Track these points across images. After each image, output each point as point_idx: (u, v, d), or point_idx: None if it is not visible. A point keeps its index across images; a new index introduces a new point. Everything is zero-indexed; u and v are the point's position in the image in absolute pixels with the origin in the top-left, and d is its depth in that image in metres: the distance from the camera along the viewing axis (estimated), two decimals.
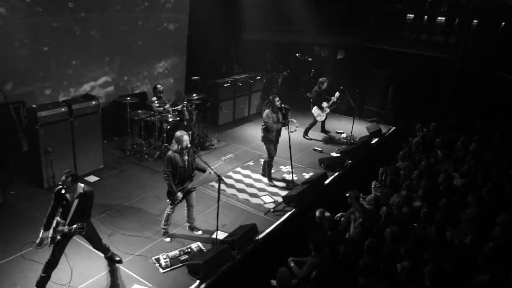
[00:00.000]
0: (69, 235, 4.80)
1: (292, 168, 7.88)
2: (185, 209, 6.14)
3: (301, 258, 5.36)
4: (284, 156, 8.26)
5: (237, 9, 11.97)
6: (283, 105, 7.59)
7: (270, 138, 7.61)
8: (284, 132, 7.72)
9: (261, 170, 8.22)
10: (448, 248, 5.18)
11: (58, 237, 4.74)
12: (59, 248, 4.80)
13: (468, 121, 9.83)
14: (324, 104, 10.04)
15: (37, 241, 4.75)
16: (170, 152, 5.65)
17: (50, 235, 4.70)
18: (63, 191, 4.72)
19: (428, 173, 7.28)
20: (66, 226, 4.70)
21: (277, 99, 7.57)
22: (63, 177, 4.62)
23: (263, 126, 7.58)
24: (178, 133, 5.62)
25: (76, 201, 4.73)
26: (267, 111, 7.59)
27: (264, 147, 7.76)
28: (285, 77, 13.39)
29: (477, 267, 4.76)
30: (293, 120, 7.63)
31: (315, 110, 10.11)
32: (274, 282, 5.09)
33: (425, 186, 6.64)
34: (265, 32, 13.09)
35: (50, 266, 4.80)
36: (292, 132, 7.60)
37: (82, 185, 4.84)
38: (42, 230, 4.76)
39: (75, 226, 4.69)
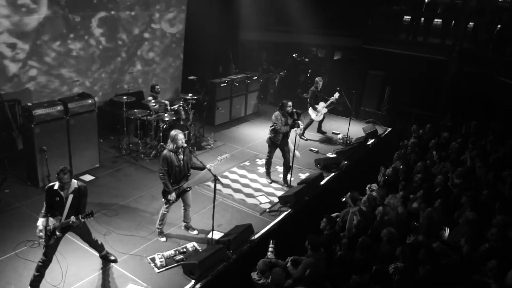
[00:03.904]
0: (70, 227, 4.77)
1: (290, 169, 7.87)
2: (181, 209, 6.13)
3: (298, 257, 5.37)
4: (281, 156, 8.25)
5: (234, 9, 11.97)
6: (294, 110, 7.52)
7: (276, 141, 7.54)
8: (292, 135, 7.66)
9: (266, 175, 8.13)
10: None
11: (58, 233, 4.71)
12: (51, 246, 4.77)
13: (463, 122, 9.87)
14: (322, 104, 10.06)
15: (41, 232, 4.65)
16: (165, 151, 5.65)
17: (46, 229, 4.67)
18: (55, 187, 4.69)
19: (424, 174, 7.31)
20: (73, 217, 4.63)
21: (289, 103, 7.44)
22: (61, 174, 4.59)
23: (271, 127, 7.52)
24: (173, 132, 5.62)
25: (71, 197, 4.71)
26: (276, 113, 7.48)
27: (268, 147, 7.74)
28: (282, 78, 13.41)
29: (472, 268, 4.79)
30: (300, 123, 7.59)
31: (311, 110, 10.14)
32: None
33: (423, 188, 6.66)
34: (262, 32, 13.10)
35: (44, 264, 4.77)
36: (299, 135, 7.52)
37: (75, 181, 4.82)
38: (40, 219, 4.71)
39: (81, 215, 4.65)
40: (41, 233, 4.67)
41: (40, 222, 4.70)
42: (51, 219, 4.72)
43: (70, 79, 9.20)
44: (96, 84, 9.90)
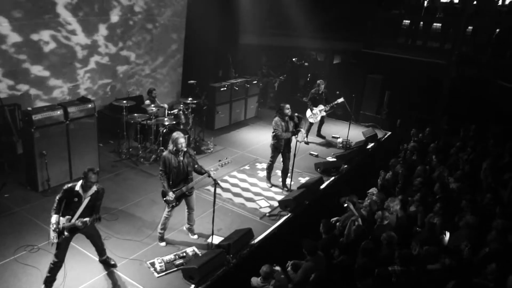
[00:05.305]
0: (78, 229, 4.78)
1: (291, 173, 7.87)
2: (180, 213, 6.12)
3: (298, 261, 5.36)
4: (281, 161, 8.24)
5: (234, 13, 12.00)
6: (295, 114, 7.49)
7: (278, 147, 7.54)
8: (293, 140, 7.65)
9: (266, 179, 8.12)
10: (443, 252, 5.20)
11: (66, 233, 4.73)
12: (62, 248, 4.78)
13: (462, 126, 9.88)
14: (321, 107, 10.05)
15: (53, 227, 4.67)
16: (165, 152, 5.71)
17: (55, 228, 4.66)
18: (77, 188, 4.74)
19: (424, 177, 7.30)
20: (80, 219, 4.68)
21: (287, 106, 7.37)
22: (90, 173, 4.69)
23: (273, 134, 7.52)
24: (175, 134, 5.65)
25: (88, 199, 4.77)
26: (276, 118, 7.44)
27: (271, 152, 7.73)
28: (281, 82, 13.43)
29: (473, 271, 4.78)
30: (302, 130, 7.57)
31: (308, 112, 10.12)
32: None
33: (422, 191, 6.66)
34: (262, 36, 13.12)
35: (55, 266, 4.79)
36: (299, 142, 7.55)
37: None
38: (54, 215, 4.72)
39: (88, 219, 4.68)
40: (59, 225, 4.68)
41: (54, 218, 4.71)
42: (61, 218, 4.73)
43: (72, 83, 9.20)
44: (97, 88, 9.92)
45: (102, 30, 9.61)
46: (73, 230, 4.79)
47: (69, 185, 4.85)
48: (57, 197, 4.80)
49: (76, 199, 4.74)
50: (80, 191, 4.76)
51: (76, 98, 8.52)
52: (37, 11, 8.24)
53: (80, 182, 4.79)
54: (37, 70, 8.59)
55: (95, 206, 4.86)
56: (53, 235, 4.69)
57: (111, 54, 9.98)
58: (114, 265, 5.41)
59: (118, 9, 9.77)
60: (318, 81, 10.19)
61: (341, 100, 9.88)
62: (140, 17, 10.34)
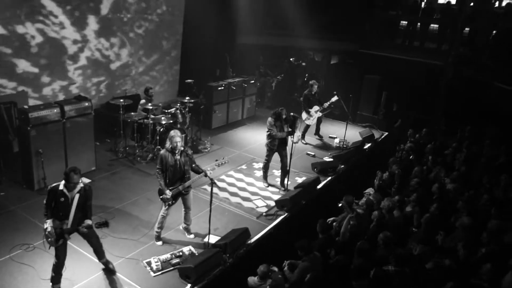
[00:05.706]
0: (77, 231, 4.72)
1: (288, 173, 7.86)
2: (177, 212, 6.11)
3: (294, 261, 5.36)
4: (279, 160, 8.24)
5: (232, 12, 12.01)
6: (291, 114, 7.51)
7: (272, 147, 7.59)
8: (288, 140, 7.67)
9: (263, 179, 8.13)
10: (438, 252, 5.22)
11: (66, 237, 4.68)
12: (61, 249, 4.74)
13: (459, 127, 9.92)
14: (316, 108, 10.04)
15: (46, 233, 4.59)
16: (162, 150, 5.71)
17: (51, 231, 4.58)
18: (60, 187, 4.63)
19: (420, 178, 7.32)
20: (82, 225, 4.60)
21: (284, 111, 7.44)
22: (72, 174, 4.55)
23: (267, 133, 7.56)
24: (172, 133, 5.66)
25: (77, 197, 4.66)
26: (269, 119, 7.51)
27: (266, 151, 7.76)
28: (279, 81, 13.44)
29: (469, 272, 4.80)
30: (297, 130, 7.58)
31: (304, 114, 10.13)
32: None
33: (418, 192, 6.68)
34: (259, 36, 13.14)
35: (58, 267, 4.77)
36: (295, 142, 7.57)
37: (80, 180, 4.78)
38: (47, 220, 4.64)
39: (92, 222, 4.62)
40: (52, 232, 4.58)
41: (48, 224, 4.62)
42: (57, 222, 4.65)
43: (69, 82, 9.14)
44: (94, 86, 9.88)
45: (93, 24, 9.46)
46: (72, 231, 4.73)
47: (52, 185, 4.73)
48: (44, 202, 4.70)
49: (62, 199, 4.61)
50: (65, 191, 4.62)
51: (69, 96, 8.48)
52: (24, 3, 8.07)
53: (63, 182, 4.65)
54: (25, 65, 8.43)
55: (86, 205, 4.75)
56: (49, 240, 4.61)
57: (103, 50, 9.90)
58: (113, 272, 5.30)
59: (110, 2, 9.64)
60: (310, 82, 10.10)
61: (335, 98, 9.87)
62: (133, 11, 10.24)
